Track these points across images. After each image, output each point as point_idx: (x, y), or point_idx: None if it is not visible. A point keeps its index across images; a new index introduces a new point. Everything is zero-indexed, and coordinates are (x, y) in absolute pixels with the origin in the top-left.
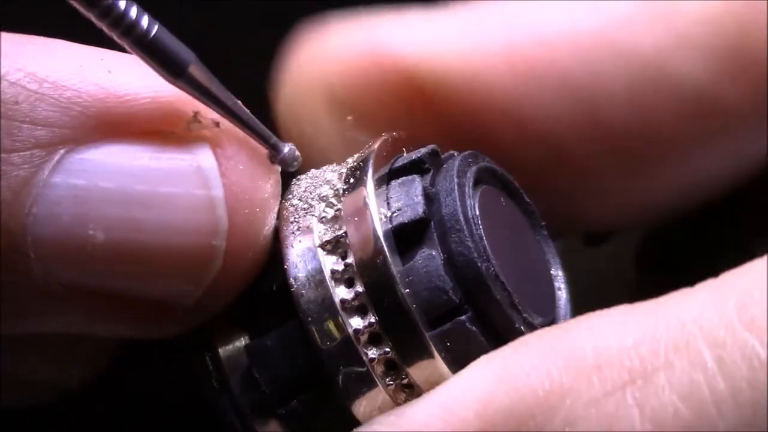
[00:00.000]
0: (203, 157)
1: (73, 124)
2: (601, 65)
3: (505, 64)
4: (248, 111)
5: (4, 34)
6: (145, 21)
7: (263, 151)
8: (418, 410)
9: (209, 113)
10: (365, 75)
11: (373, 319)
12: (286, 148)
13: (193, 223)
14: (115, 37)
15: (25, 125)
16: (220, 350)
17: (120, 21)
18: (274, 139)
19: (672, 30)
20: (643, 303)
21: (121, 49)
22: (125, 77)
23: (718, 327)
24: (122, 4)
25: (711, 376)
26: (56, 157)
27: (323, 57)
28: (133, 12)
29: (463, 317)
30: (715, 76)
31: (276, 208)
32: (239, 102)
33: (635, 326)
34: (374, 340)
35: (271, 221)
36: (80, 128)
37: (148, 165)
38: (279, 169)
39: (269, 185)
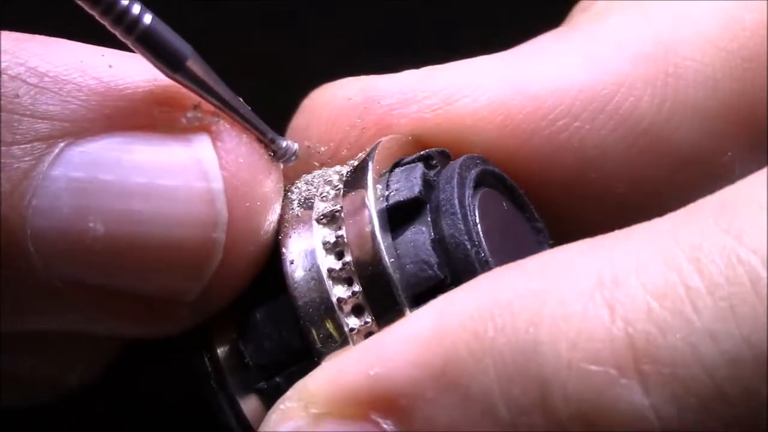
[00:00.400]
0: (203, 150)
1: (73, 117)
2: (595, 125)
3: (492, 120)
4: (246, 105)
5: (6, 33)
6: (138, 11)
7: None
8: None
9: (209, 107)
10: (349, 130)
11: (357, 289)
12: (284, 142)
13: (192, 216)
14: (108, 26)
15: (26, 118)
16: (218, 351)
17: (114, 9)
18: (271, 133)
19: (669, 93)
20: (618, 231)
21: (125, 49)
22: (126, 71)
23: (693, 233)
24: None
25: (686, 275)
26: (56, 150)
27: (310, 115)
28: (126, 1)
29: None
30: (711, 136)
31: (278, 204)
32: (238, 97)
33: (608, 242)
34: (357, 311)
35: (272, 216)
36: (80, 121)
37: (147, 158)
38: (281, 165)
39: (270, 180)
